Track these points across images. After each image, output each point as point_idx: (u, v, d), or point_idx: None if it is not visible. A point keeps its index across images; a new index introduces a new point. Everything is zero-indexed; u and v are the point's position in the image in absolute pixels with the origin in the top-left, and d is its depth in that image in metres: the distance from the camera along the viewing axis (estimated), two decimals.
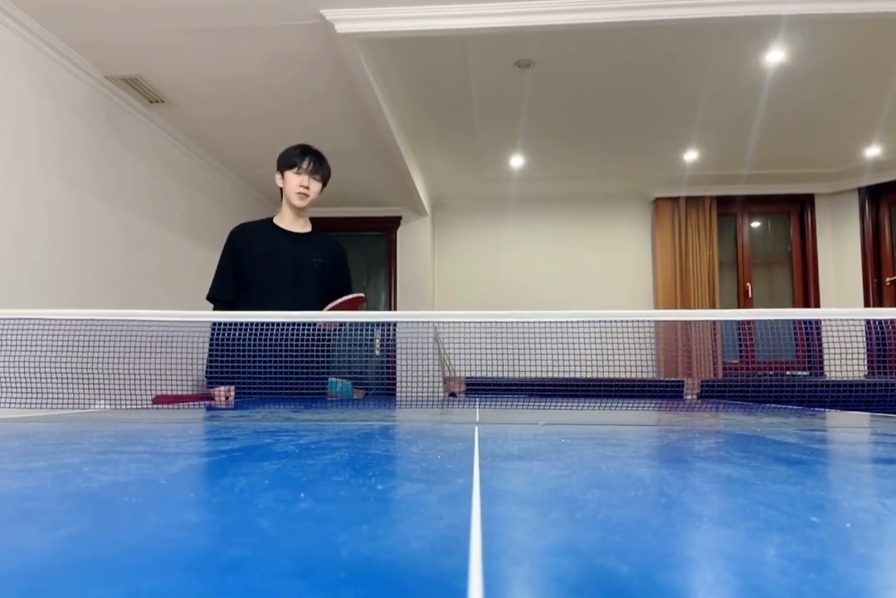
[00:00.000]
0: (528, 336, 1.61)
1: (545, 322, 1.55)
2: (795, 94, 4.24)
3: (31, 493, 0.47)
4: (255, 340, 1.79)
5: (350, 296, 2.37)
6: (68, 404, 1.61)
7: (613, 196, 6.54)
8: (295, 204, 2.44)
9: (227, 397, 2.32)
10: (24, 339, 1.63)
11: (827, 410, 1.85)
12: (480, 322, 1.61)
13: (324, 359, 2.20)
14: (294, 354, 1.85)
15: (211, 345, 2.14)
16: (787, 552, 0.32)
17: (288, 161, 2.43)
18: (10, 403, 1.57)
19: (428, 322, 1.80)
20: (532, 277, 6.51)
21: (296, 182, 2.40)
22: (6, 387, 1.59)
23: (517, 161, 5.64)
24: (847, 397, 2.05)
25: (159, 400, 2.27)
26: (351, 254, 2.76)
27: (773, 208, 6.50)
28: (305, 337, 1.84)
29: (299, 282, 2.45)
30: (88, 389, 1.64)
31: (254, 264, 2.43)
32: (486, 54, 3.71)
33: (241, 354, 1.92)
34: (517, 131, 4.93)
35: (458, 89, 4.18)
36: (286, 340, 1.83)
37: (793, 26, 3.34)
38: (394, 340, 1.93)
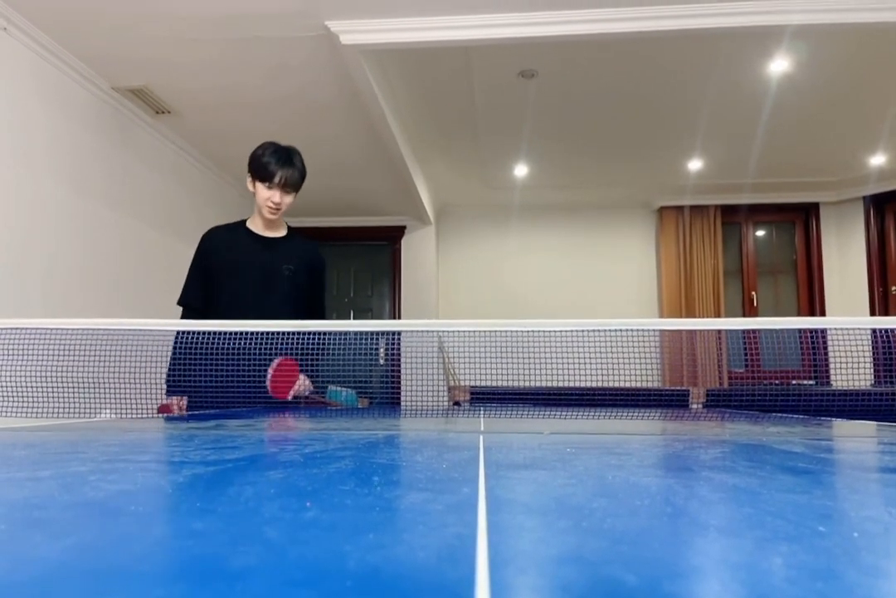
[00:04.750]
0: (533, 345, 1.61)
1: (549, 331, 1.55)
2: (799, 102, 4.25)
3: (38, 501, 0.48)
4: (217, 348, 1.72)
5: (277, 364, 2.05)
6: (74, 413, 1.61)
7: (617, 205, 6.55)
8: (266, 217, 2.32)
9: (179, 408, 2.17)
10: (30, 348, 1.64)
11: (833, 419, 1.84)
12: (485, 331, 1.61)
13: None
14: (258, 364, 1.81)
15: (174, 353, 2.01)
16: (795, 561, 0.32)
17: (260, 172, 2.27)
18: (17, 412, 1.58)
19: (432, 331, 1.80)
20: (536, 286, 6.51)
21: (266, 196, 2.27)
22: (13, 396, 1.59)
23: (521, 170, 5.66)
24: (853, 406, 2.04)
25: (164, 409, 2.27)
26: (356, 263, 2.73)
27: (777, 217, 6.50)
28: (274, 350, 1.78)
29: (270, 290, 2.30)
30: (94, 398, 1.65)
31: (222, 271, 2.31)
32: (490, 64, 3.73)
33: (204, 363, 1.80)
34: (521, 141, 4.95)
35: (463, 99, 4.20)
36: (251, 349, 1.77)
37: (797, 36, 3.35)
38: (398, 349, 1.93)
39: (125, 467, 0.69)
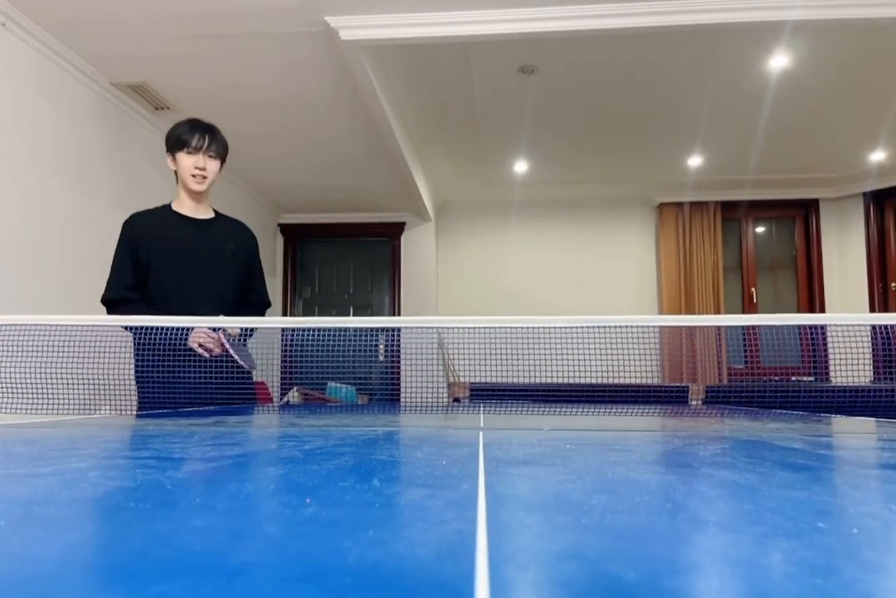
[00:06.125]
0: (532, 341, 1.61)
1: (549, 327, 1.55)
2: (799, 99, 4.24)
3: (38, 498, 0.48)
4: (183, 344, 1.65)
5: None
6: (74, 409, 1.61)
7: (617, 201, 6.54)
8: (193, 188, 2.15)
9: (213, 342, 2.01)
10: (31, 345, 1.64)
11: (832, 415, 1.85)
12: (484, 327, 1.61)
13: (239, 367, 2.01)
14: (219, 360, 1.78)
15: (139, 357, 1.94)
16: (794, 557, 0.32)
17: (176, 140, 2.12)
18: (17, 408, 1.58)
19: (432, 327, 1.79)
20: (536, 282, 6.51)
21: (189, 163, 2.12)
22: (13, 393, 1.59)
23: (521, 166, 5.65)
24: (853, 402, 2.04)
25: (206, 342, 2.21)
26: (355, 259, 2.72)
27: (777, 213, 6.50)
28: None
29: (216, 273, 2.18)
30: (94, 394, 1.65)
31: (162, 257, 2.13)
32: (489, 60, 3.72)
33: (190, 360, 1.72)
34: (521, 137, 4.94)
35: (462, 95, 4.19)
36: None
37: (797, 32, 3.34)
38: (398, 345, 1.93)
39: (125, 463, 0.69)
